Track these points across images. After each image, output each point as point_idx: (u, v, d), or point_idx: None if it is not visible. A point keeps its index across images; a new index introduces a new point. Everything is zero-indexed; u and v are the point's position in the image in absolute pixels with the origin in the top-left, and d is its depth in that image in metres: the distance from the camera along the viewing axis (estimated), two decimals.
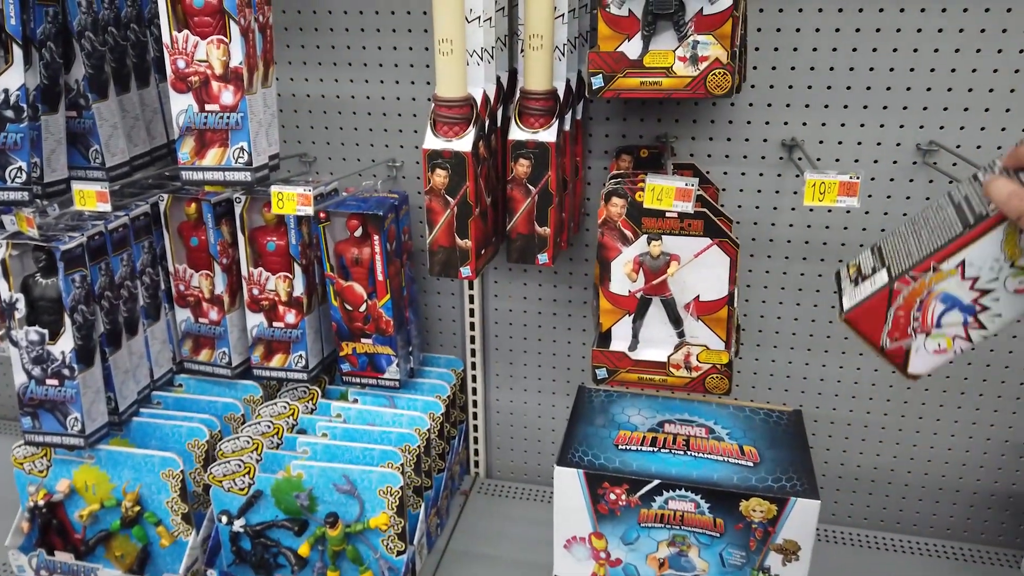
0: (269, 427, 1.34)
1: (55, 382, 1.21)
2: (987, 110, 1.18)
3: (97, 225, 1.22)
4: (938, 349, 0.77)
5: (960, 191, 0.78)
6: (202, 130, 1.12)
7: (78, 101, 1.15)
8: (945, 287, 0.75)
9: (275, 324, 1.37)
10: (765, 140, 1.27)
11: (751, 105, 1.25)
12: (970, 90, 1.17)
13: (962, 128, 1.19)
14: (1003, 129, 1.18)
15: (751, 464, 1.05)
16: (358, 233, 1.28)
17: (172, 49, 1.10)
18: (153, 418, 1.34)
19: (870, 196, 1.26)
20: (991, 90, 1.17)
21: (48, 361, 1.20)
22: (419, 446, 1.30)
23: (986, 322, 0.75)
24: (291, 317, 1.36)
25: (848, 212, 1.28)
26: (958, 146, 1.20)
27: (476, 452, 1.64)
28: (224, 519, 1.25)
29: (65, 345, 1.19)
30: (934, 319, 0.76)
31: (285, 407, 1.38)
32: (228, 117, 1.11)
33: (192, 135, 1.13)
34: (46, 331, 1.19)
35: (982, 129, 1.19)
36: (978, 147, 1.20)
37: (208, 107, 1.12)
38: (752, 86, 1.24)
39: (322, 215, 1.27)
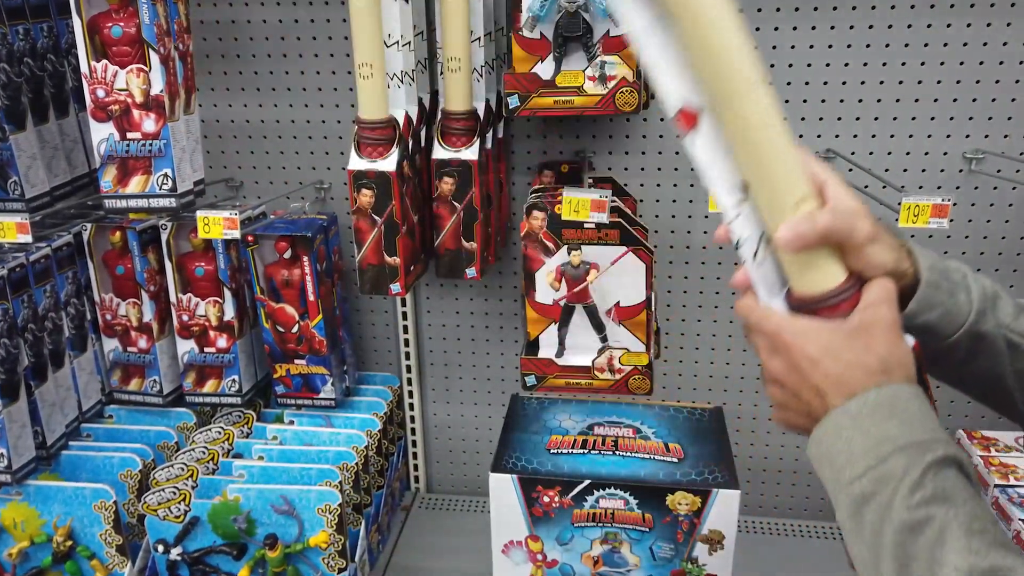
0: (204, 453, 1.33)
1: None
2: (876, 119, 1.28)
3: (18, 257, 1.20)
4: None
5: None
6: (124, 158, 1.13)
7: None
8: None
9: (206, 349, 1.37)
10: (677, 153, 1.34)
11: (663, 120, 1.32)
12: (860, 100, 1.27)
13: (874, 136, 1.29)
14: (910, 136, 1.29)
15: (676, 460, 1.11)
16: (287, 255, 1.29)
17: (91, 79, 1.10)
18: (83, 450, 1.32)
19: None
20: (879, 100, 1.27)
21: None
22: (357, 463, 1.31)
23: None
24: (222, 342, 1.36)
25: None
26: (852, 153, 1.29)
27: (416, 467, 1.65)
28: (161, 548, 1.24)
29: None
30: None
31: (220, 432, 1.38)
32: (151, 145, 1.12)
33: (114, 163, 1.13)
34: None
35: (876, 136, 1.29)
36: (879, 153, 1.30)
37: (130, 135, 1.12)
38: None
39: (250, 238, 1.28)
